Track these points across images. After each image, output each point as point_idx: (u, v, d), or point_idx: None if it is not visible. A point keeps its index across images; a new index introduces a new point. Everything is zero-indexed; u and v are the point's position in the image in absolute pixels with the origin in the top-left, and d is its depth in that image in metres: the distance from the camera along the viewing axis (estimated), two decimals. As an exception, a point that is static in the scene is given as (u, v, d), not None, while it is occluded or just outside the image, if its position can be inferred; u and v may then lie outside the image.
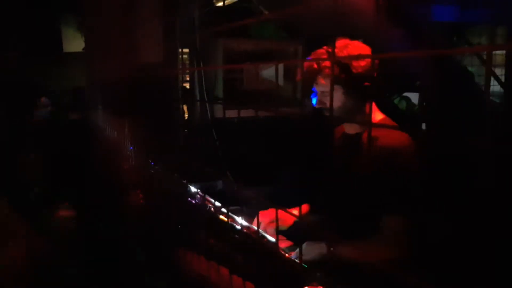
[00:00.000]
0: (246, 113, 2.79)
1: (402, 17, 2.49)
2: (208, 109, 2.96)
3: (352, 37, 1.53)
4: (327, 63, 1.48)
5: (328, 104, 1.54)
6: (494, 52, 3.43)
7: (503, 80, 3.18)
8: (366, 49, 1.51)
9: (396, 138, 1.47)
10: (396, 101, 3.71)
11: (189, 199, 1.25)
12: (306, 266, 1.02)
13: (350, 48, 1.49)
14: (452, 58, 2.87)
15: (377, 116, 1.61)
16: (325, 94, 1.54)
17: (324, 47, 1.52)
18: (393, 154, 1.43)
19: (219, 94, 2.92)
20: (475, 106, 2.75)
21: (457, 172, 2.27)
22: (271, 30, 3.05)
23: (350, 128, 1.64)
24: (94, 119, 2.81)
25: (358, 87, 1.50)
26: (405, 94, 3.94)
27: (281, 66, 2.74)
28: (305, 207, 1.83)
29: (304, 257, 1.44)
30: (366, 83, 1.50)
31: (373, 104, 1.60)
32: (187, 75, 3.05)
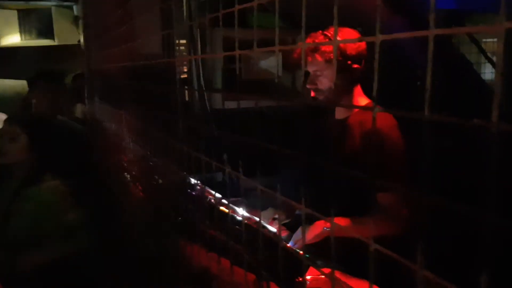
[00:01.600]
0: (245, 103, 2.78)
1: (401, 4, 2.48)
2: (206, 99, 2.96)
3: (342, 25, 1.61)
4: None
5: (319, 85, 1.61)
6: (492, 39, 3.42)
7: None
8: (355, 34, 1.58)
9: (382, 120, 1.52)
10: None
11: (189, 190, 1.25)
12: (308, 256, 1.03)
13: (342, 33, 1.56)
14: (451, 46, 2.86)
15: (362, 101, 1.67)
16: (317, 73, 1.61)
17: (319, 31, 1.59)
18: (379, 135, 1.50)
19: (218, 85, 2.91)
20: (474, 93, 2.75)
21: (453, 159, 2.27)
22: (269, 19, 3.03)
23: (339, 113, 1.70)
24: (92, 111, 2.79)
25: (348, 68, 1.58)
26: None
27: (279, 56, 2.72)
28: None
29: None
30: (356, 65, 1.59)
31: (359, 89, 1.67)
32: (185, 67, 3.04)
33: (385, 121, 1.52)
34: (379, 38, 0.40)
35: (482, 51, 3.45)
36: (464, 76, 2.91)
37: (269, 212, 1.71)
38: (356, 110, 1.68)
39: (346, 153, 1.61)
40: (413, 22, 2.43)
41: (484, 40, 3.49)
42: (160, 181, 1.44)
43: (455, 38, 3.32)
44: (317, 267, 0.85)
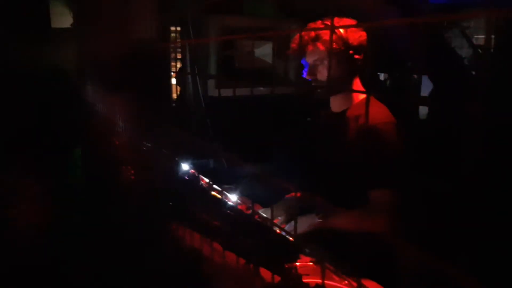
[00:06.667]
0: (239, 91, 2.79)
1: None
2: (200, 86, 2.95)
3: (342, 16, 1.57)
4: (325, 32, 1.53)
5: (318, 76, 1.57)
6: (484, 36, 3.45)
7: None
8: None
9: (380, 115, 1.50)
10: None
11: (181, 175, 1.27)
12: (298, 243, 1.05)
13: (343, 23, 1.53)
14: (443, 40, 2.89)
15: (361, 94, 1.63)
16: (317, 63, 1.56)
17: (319, 21, 1.55)
18: (376, 130, 1.46)
19: (212, 72, 2.90)
20: (464, 87, 2.78)
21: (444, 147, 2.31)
22: (265, 8, 3.02)
23: (336, 106, 1.67)
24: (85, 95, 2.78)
25: (350, 58, 1.54)
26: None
27: (274, 45, 2.73)
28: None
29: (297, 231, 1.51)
30: (357, 56, 1.55)
31: (358, 81, 1.62)
32: (179, 54, 3.03)
33: (382, 118, 1.49)
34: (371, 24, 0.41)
35: (472, 46, 3.49)
36: (455, 69, 2.94)
37: (273, 212, 1.66)
38: (354, 104, 1.63)
39: (341, 148, 1.58)
40: (407, 14, 2.45)
41: (475, 36, 3.53)
42: (153, 165, 1.45)
43: (446, 33, 3.35)
44: (306, 255, 0.87)
